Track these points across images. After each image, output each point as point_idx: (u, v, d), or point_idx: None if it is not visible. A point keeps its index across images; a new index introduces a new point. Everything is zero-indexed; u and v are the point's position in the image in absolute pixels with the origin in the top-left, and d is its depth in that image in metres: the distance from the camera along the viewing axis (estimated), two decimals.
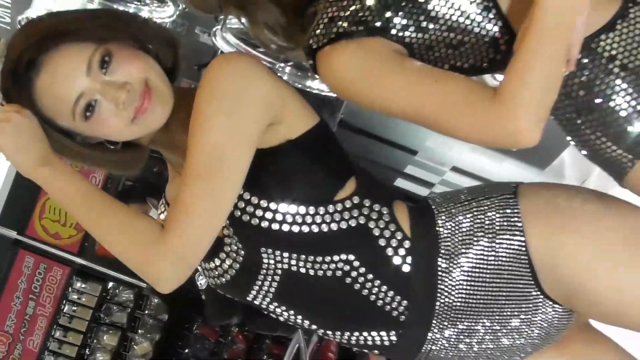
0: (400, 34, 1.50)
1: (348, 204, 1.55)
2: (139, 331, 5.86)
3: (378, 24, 1.48)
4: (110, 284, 5.80)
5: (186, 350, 5.98)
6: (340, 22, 1.49)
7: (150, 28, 1.61)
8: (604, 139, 1.57)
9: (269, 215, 1.51)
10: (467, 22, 1.50)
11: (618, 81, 1.53)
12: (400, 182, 5.40)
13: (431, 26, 1.49)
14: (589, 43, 1.53)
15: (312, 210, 1.52)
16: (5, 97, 1.54)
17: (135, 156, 1.63)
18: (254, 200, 1.50)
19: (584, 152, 1.65)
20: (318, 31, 1.51)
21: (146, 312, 5.89)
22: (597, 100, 1.55)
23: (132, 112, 1.49)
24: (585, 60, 1.54)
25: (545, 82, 1.37)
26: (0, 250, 5.71)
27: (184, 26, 4.18)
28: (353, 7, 1.49)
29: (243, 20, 1.61)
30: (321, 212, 1.52)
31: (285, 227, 1.51)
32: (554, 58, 1.38)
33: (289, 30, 1.58)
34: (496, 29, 1.50)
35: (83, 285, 5.76)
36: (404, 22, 1.49)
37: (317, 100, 3.88)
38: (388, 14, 1.48)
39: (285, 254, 1.53)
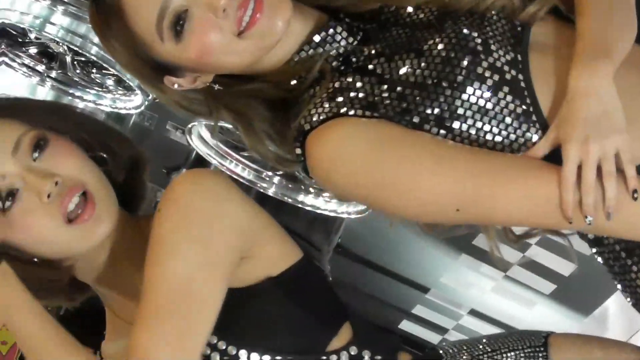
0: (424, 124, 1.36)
1: (344, 357, 1.39)
2: None
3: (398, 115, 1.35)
4: None
5: None
6: (340, 99, 1.33)
7: (103, 131, 1.48)
8: None
9: None
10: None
11: None
12: (405, 325, 5.16)
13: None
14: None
15: None
16: None
17: (52, 274, 1.40)
18: (221, 345, 1.34)
19: (632, 301, 1.49)
20: (313, 110, 1.35)
21: None
22: None
23: (61, 211, 1.29)
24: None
25: None
26: None
27: (153, 120, 3.86)
28: (358, 92, 1.36)
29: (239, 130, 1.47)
30: None
31: None
32: None
33: (284, 131, 1.44)
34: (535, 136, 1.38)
35: None
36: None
37: (306, 220, 3.83)
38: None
39: None
